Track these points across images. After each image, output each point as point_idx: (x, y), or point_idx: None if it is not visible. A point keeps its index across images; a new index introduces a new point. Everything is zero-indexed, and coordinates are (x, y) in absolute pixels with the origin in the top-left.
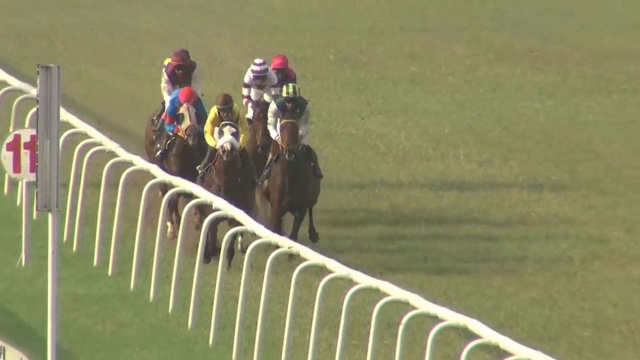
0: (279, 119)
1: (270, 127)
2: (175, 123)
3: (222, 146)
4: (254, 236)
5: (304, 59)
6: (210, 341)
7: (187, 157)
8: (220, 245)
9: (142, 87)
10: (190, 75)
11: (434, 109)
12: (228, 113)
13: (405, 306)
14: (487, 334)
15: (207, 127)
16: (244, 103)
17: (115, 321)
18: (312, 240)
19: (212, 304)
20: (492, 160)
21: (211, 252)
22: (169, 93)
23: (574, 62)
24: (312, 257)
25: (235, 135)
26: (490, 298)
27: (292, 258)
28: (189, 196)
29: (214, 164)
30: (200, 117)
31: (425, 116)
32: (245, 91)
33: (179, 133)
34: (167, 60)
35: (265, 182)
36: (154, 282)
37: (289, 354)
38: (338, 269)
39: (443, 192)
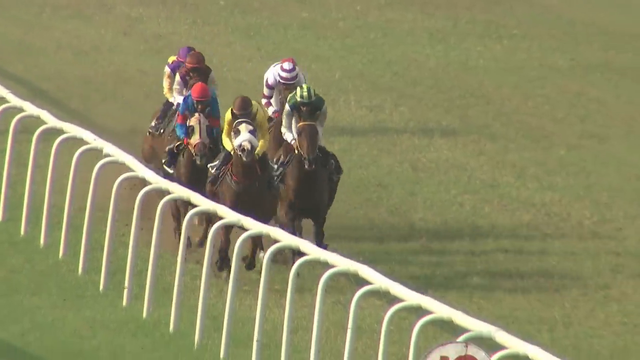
0: (293, 120)
1: (284, 130)
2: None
3: (240, 145)
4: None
5: (194, 5)
6: (101, 287)
7: (196, 172)
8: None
9: (32, 33)
10: (206, 80)
11: (324, 55)
12: (247, 119)
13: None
14: (378, 280)
15: (225, 127)
16: (263, 103)
17: (6, 267)
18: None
19: (103, 249)
20: (382, 106)
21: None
22: (180, 94)
23: (464, 7)
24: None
25: (254, 133)
26: (378, 242)
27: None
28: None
29: (230, 168)
30: (213, 120)
31: (316, 61)
32: (267, 91)
33: (188, 146)
34: (172, 58)
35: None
36: (45, 228)
37: (179, 299)
38: (228, 214)
39: (334, 137)
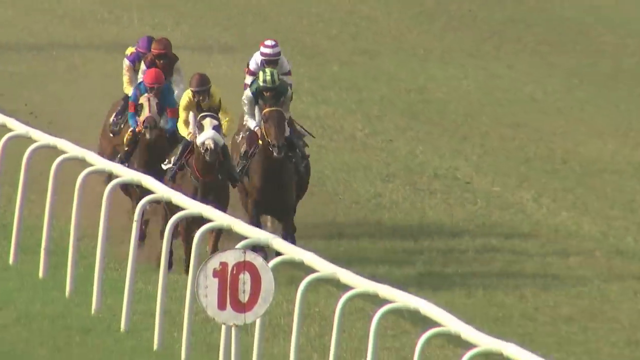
0: (256, 108)
1: (246, 117)
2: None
3: (203, 143)
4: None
5: None
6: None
7: (152, 154)
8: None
9: None
10: (172, 67)
11: None
12: (205, 96)
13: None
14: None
15: (181, 114)
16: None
17: None
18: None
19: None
20: (164, 23)
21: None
22: None
23: None
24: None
25: (218, 129)
26: None
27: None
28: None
29: (187, 161)
30: (164, 108)
31: None
32: (248, 80)
33: (137, 128)
34: (130, 50)
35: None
36: None
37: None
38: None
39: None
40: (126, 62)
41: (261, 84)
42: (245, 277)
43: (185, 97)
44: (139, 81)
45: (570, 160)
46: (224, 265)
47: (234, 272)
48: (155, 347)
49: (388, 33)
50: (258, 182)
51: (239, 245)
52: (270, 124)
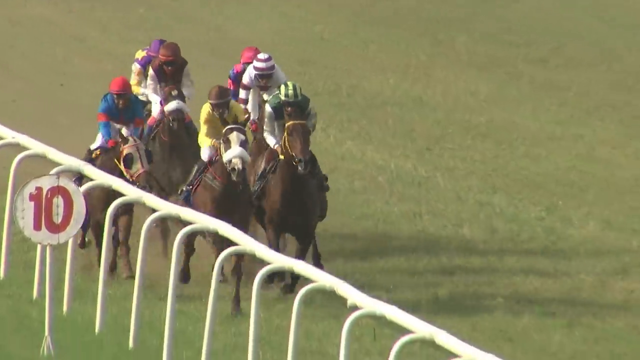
0: (276, 123)
1: (266, 134)
2: (112, 125)
3: (230, 161)
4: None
5: None
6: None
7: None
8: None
9: None
10: (181, 73)
11: None
12: (224, 110)
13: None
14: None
15: (201, 127)
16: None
17: None
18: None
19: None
20: None
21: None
22: (155, 92)
23: None
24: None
25: (245, 145)
26: None
27: None
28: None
29: (205, 174)
30: (133, 118)
31: None
32: (243, 94)
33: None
34: (141, 53)
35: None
36: None
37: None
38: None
39: None
40: (136, 66)
41: (283, 98)
42: (59, 201)
43: (204, 110)
44: (154, 96)
45: (355, 94)
46: (39, 189)
47: (49, 196)
48: None
49: None
50: (279, 201)
51: (153, 216)
52: (295, 137)
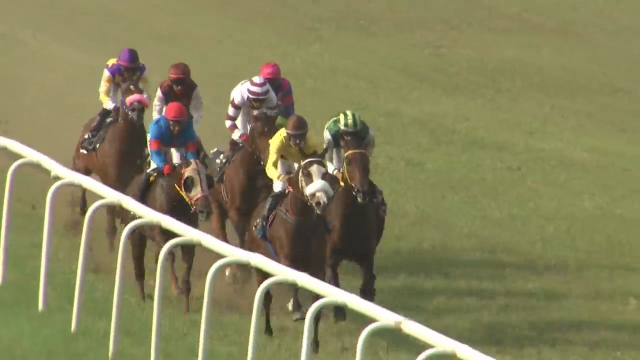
0: (334, 151)
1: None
2: (168, 150)
3: (314, 195)
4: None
5: None
6: None
7: (178, 207)
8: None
9: None
10: (191, 95)
11: None
12: (301, 140)
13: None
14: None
15: (271, 156)
16: (228, 126)
17: None
18: (366, 296)
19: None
20: None
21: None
22: (160, 113)
23: None
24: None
25: (326, 177)
26: None
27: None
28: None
29: (279, 208)
30: (187, 142)
31: None
32: (232, 112)
33: (180, 191)
34: (112, 61)
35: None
36: None
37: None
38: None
39: None
40: (106, 73)
41: (342, 127)
42: None
43: (277, 138)
44: (157, 116)
45: None
46: None
47: None
48: None
49: None
50: (339, 229)
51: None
52: (354, 167)
